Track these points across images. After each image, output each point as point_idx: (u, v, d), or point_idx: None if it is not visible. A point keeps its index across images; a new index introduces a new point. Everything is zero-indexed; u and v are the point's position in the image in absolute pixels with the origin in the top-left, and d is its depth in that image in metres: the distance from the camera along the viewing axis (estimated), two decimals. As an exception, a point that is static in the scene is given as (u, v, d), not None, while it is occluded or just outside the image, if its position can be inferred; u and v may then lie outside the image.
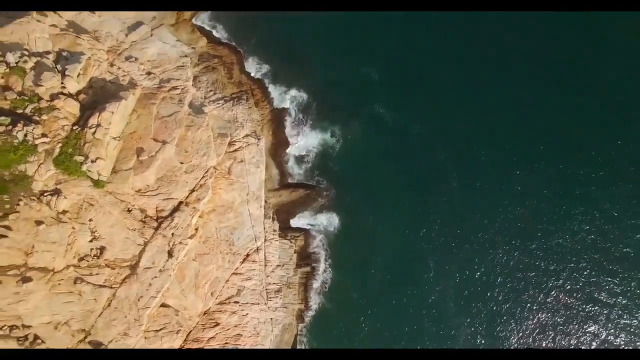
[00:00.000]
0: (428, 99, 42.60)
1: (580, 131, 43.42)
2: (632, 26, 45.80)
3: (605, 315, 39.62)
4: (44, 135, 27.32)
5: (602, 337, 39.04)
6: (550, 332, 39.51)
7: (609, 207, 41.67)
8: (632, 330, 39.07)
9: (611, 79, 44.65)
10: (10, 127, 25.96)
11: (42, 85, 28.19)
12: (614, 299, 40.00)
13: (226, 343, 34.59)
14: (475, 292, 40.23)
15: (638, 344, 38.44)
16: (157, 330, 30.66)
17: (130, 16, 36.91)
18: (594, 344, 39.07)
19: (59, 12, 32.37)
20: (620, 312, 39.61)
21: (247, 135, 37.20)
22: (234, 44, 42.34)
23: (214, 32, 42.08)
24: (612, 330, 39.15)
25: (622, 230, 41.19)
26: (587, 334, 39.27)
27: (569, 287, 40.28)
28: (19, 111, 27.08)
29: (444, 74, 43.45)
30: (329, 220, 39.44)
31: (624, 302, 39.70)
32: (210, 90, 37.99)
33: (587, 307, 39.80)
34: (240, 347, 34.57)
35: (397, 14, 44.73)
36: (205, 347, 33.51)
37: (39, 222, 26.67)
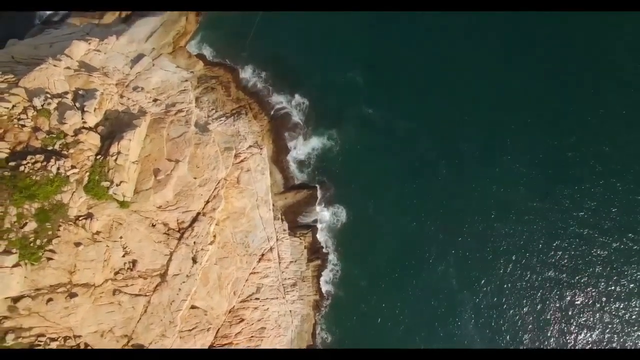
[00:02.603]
0: (411, 96, 46.14)
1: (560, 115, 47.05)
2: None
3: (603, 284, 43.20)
4: (73, 166, 30.65)
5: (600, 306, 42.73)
6: (550, 306, 43.14)
7: (598, 187, 45.15)
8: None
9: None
10: (44, 163, 29.36)
11: (66, 123, 31.52)
12: (608, 272, 43.54)
13: (252, 337, 38.05)
14: (475, 268, 43.70)
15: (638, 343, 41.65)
16: (190, 330, 34.11)
17: (132, 50, 40.42)
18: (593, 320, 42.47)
19: (70, 55, 35.79)
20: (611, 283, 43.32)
21: (250, 146, 40.69)
22: (227, 62, 45.69)
23: (208, 55, 45.53)
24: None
25: (616, 206, 44.77)
26: (588, 308, 42.91)
27: (564, 263, 43.87)
28: (50, 148, 30.41)
29: (424, 70, 46.99)
30: (332, 216, 42.98)
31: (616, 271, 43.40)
32: (212, 109, 41.55)
33: (584, 281, 43.37)
34: (264, 339, 38.06)
35: (372, 17, 47.98)
36: (234, 342, 37.05)
37: (77, 244, 30.02)
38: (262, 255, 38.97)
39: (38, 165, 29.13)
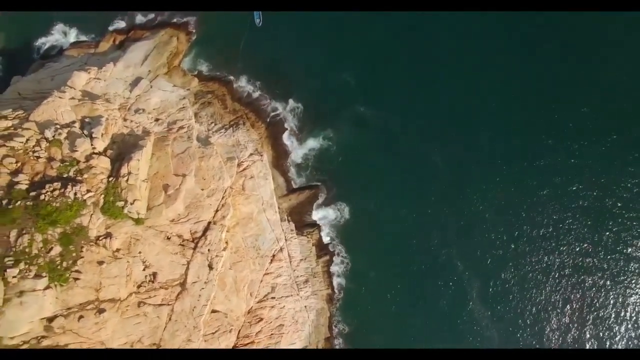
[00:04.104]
0: (403, 93, 47.94)
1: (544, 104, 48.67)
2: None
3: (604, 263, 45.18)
4: (88, 190, 32.58)
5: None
6: (546, 280, 45.19)
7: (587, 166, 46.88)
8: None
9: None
10: (62, 190, 31.30)
11: (77, 150, 33.48)
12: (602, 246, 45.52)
13: (272, 334, 40.04)
14: (476, 249, 45.67)
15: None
16: (213, 333, 36.09)
17: (129, 74, 42.34)
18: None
19: (73, 86, 37.73)
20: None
21: (251, 154, 42.65)
22: (221, 75, 47.21)
23: (202, 71, 47.26)
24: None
25: (607, 184, 46.51)
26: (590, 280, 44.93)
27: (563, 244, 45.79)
28: (65, 175, 32.36)
29: (413, 68, 48.75)
30: (336, 212, 44.95)
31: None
32: (211, 123, 43.51)
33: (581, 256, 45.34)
34: (284, 335, 40.01)
35: (359, 19, 49.70)
36: (255, 341, 39.01)
37: (100, 262, 31.96)
38: (273, 256, 40.92)
39: (56, 192, 31.06)
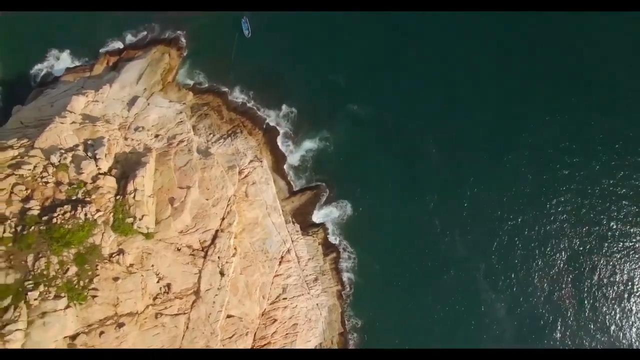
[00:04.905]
0: (392, 88, 49.27)
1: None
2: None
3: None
4: (98, 210, 33.63)
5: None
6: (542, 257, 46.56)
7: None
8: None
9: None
10: (72, 212, 32.36)
11: (83, 172, 34.52)
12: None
13: (287, 334, 41.13)
14: (477, 234, 46.93)
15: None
16: (230, 337, 37.16)
17: (126, 94, 43.42)
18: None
19: (73, 110, 38.79)
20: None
21: (251, 161, 43.72)
22: (215, 87, 48.26)
23: (196, 84, 48.40)
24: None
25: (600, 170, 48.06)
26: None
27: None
28: (74, 197, 33.42)
29: (399, 64, 50.04)
30: (339, 210, 46.07)
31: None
32: (210, 134, 44.58)
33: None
34: (299, 333, 41.10)
35: (342, 20, 50.94)
36: (272, 341, 40.09)
37: (115, 278, 33.01)
38: (282, 257, 42.01)
39: (67, 215, 32.11)
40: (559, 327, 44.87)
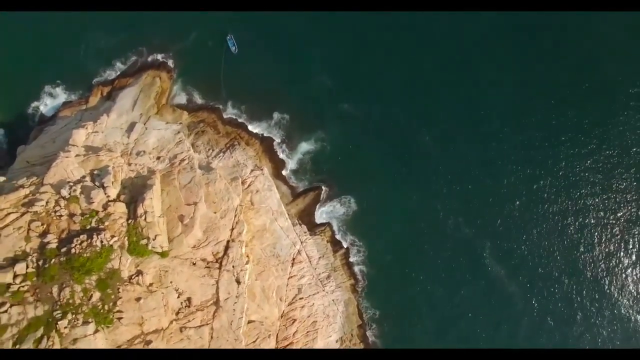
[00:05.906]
0: (378, 83, 50.60)
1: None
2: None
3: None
4: (112, 236, 34.95)
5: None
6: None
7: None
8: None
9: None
10: (89, 240, 33.71)
11: (93, 202, 35.83)
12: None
13: (307, 332, 42.49)
14: (482, 215, 48.79)
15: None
16: (254, 341, 38.54)
17: (124, 121, 44.75)
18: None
19: (75, 143, 40.12)
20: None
21: (252, 171, 45.08)
22: (208, 103, 49.54)
23: (190, 103, 49.63)
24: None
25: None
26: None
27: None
28: (88, 227, 34.75)
29: (382, 60, 51.41)
30: (343, 206, 47.45)
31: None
32: (209, 149, 45.94)
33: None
34: (319, 330, 42.44)
35: (323, 22, 52.24)
36: (294, 341, 41.43)
37: (138, 299, 34.33)
38: (293, 259, 43.38)
39: (84, 244, 33.43)
40: (582, 329, 47.28)
